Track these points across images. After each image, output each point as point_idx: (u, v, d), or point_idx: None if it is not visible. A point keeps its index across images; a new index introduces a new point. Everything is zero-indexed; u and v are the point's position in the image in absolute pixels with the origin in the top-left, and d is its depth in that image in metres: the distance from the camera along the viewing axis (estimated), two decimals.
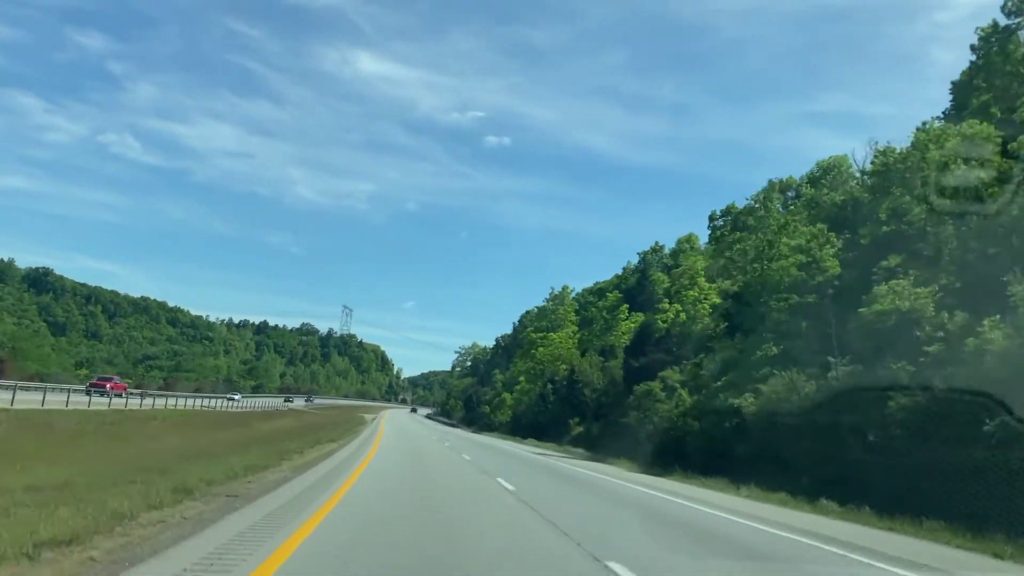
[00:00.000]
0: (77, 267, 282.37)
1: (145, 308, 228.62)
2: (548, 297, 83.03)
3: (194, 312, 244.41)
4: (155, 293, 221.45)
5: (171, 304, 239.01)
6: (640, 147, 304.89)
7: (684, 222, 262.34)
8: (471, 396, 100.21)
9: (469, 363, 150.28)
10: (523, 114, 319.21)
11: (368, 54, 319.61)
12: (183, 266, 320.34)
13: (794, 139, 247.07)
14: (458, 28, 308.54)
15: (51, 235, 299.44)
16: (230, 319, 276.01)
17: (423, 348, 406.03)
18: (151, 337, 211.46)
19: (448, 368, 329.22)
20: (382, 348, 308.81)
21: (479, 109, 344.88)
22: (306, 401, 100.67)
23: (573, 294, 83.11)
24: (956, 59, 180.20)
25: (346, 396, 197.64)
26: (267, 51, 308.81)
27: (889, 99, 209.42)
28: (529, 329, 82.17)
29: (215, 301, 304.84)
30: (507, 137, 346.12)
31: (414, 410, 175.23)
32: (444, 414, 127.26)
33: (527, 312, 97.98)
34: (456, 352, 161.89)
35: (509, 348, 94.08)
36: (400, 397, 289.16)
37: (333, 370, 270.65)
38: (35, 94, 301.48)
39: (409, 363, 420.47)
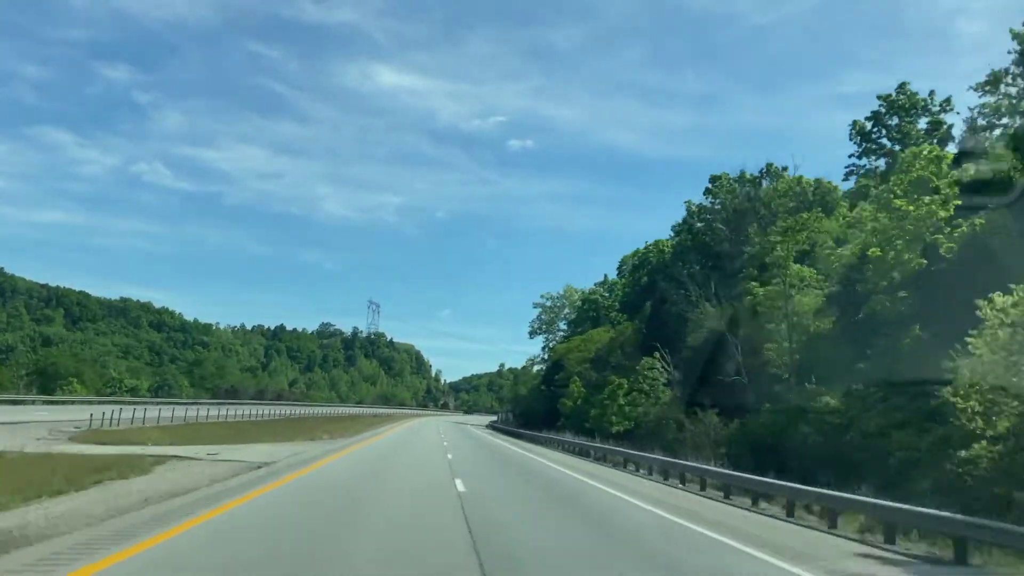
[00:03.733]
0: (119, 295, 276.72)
1: (123, 311, 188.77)
2: None
3: (190, 316, 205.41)
4: (202, 317, 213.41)
5: (158, 305, 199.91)
6: (668, 140, 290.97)
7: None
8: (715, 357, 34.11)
9: (566, 320, 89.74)
10: (545, 116, 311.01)
11: (387, 67, 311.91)
12: (221, 289, 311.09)
13: (823, 122, 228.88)
14: (475, 34, 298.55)
15: (92, 266, 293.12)
16: (242, 324, 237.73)
17: (463, 356, 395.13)
18: (124, 344, 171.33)
19: (494, 369, 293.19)
20: (417, 347, 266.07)
21: (501, 114, 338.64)
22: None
23: None
24: (984, 30, 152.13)
25: (359, 403, 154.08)
26: (288, 71, 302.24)
27: (919, 75, 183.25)
28: None
29: (250, 321, 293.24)
30: (530, 140, 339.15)
31: (496, 422, 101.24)
32: (525, 420, 70.83)
33: (720, 178, 46.73)
34: (537, 305, 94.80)
35: (698, 245, 44.95)
36: (441, 402, 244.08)
37: (359, 375, 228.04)
38: (68, 129, 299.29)
39: (448, 370, 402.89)
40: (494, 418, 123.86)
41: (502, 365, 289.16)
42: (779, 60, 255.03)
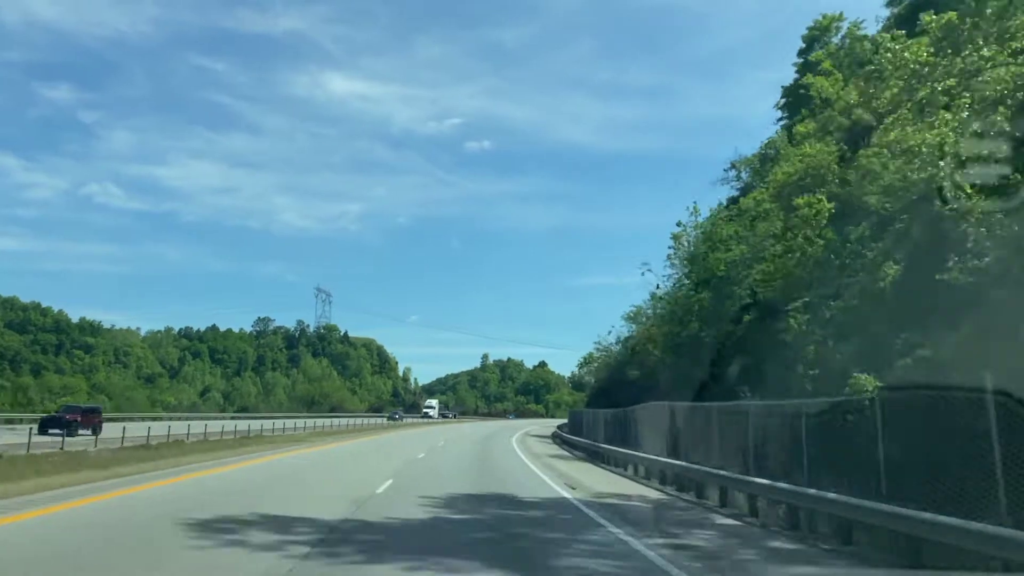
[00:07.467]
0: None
1: None
2: None
3: (74, 314, 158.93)
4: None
5: (25, 300, 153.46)
6: (624, 134, 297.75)
7: (680, 202, 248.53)
8: None
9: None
10: (500, 116, 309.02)
11: (338, 74, 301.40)
12: (182, 306, 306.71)
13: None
14: (424, 37, 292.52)
15: (49, 291, 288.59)
16: (167, 327, 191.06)
17: (435, 360, 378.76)
18: None
19: (476, 366, 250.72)
20: (379, 342, 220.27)
21: (456, 116, 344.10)
22: None
23: None
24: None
25: (240, 412, 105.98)
26: (237, 83, 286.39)
27: None
28: None
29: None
30: (487, 140, 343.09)
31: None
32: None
33: None
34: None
35: None
36: (411, 403, 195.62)
37: (303, 377, 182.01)
38: (12, 153, 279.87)
39: (421, 375, 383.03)
40: (559, 422, 74.81)
41: (485, 356, 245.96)
42: (726, 48, 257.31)
